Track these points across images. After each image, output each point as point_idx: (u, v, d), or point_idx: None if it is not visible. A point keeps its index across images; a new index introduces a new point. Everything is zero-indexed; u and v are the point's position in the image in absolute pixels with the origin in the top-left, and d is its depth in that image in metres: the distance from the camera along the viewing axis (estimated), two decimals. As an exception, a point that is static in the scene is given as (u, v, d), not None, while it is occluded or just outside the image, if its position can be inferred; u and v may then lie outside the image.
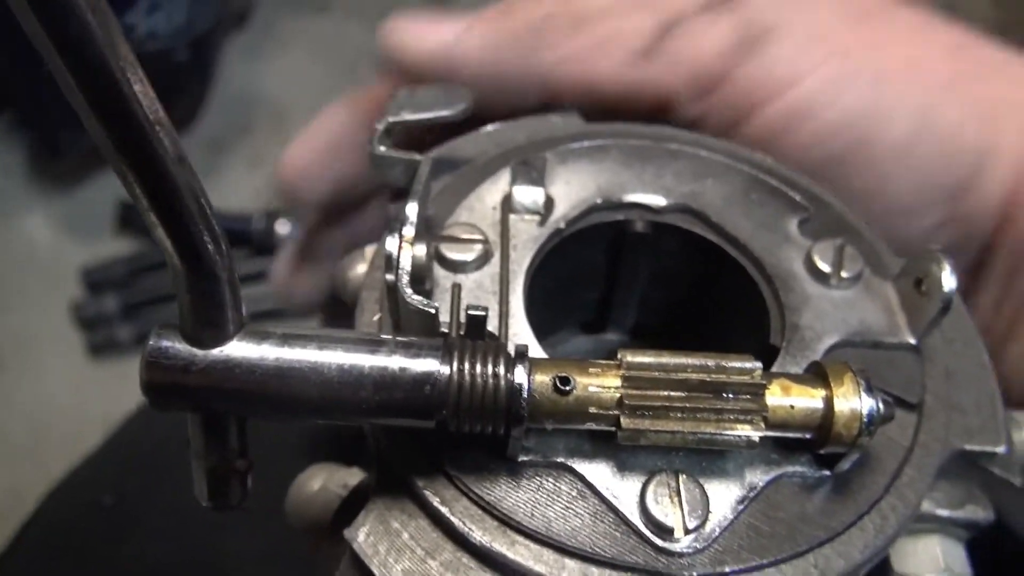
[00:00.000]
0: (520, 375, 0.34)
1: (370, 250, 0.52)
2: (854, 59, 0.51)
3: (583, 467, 0.36)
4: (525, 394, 0.33)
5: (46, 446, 1.58)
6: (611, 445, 0.36)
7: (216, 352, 0.32)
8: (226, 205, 1.88)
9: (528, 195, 0.47)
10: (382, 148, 0.45)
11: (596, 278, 0.54)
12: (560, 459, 0.37)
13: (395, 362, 0.34)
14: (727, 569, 0.34)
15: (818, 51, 0.50)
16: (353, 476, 0.44)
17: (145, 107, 0.26)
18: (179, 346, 0.32)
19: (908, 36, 0.55)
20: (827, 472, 0.37)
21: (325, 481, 0.44)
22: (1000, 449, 0.42)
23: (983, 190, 0.56)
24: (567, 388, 0.34)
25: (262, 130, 2.01)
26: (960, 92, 0.55)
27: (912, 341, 0.42)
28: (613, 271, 0.52)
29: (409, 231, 0.40)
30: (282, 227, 1.88)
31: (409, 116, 0.46)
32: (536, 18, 0.51)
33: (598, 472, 0.36)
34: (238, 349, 0.33)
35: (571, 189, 0.48)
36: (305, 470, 0.45)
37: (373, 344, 0.34)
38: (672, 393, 0.34)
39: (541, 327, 0.57)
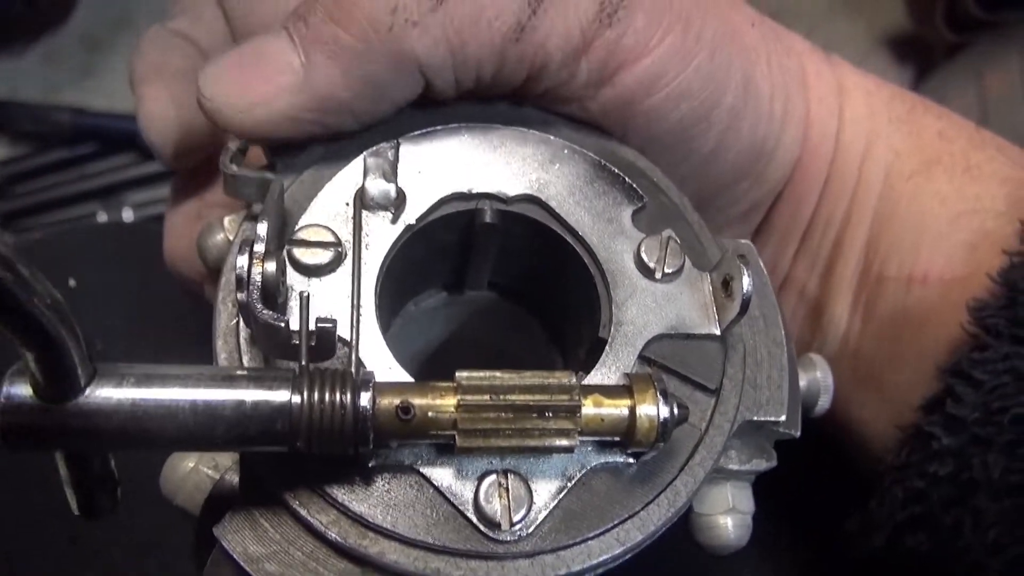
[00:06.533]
0: (365, 403, 0.35)
1: (228, 220, 0.50)
2: (694, 27, 0.51)
3: (427, 470, 0.39)
4: (370, 423, 0.35)
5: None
6: (451, 450, 0.38)
7: (69, 406, 0.32)
8: (108, 106, 1.71)
9: (380, 189, 0.46)
10: (234, 167, 0.42)
11: (451, 253, 0.54)
12: (407, 463, 0.39)
13: (248, 397, 0.34)
14: (545, 548, 0.39)
15: (665, 19, 0.50)
16: (224, 456, 0.45)
17: None
18: (31, 401, 0.31)
19: (725, 6, 0.56)
20: (633, 461, 0.41)
21: (197, 462, 0.45)
22: (781, 418, 0.48)
23: (779, 156, 0.59)
24: (408, 416, 0.35)
25: (143, 22, 1.80)
26: (768, 64, 0.57)
27: (717, 332, 0.46)
28: (467, 249, 0.53)
29: (259, 248, 0.39)
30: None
31: None
32: (383, 8, 0.43)
33: (439, 474, 0.39)
34: (91, 399, 0.32)
35: (423, 180, 0.48)
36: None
37: (226, 380, 0.34)
38: (501, 415, 0.37)
39: (405, 292, 0.58)
